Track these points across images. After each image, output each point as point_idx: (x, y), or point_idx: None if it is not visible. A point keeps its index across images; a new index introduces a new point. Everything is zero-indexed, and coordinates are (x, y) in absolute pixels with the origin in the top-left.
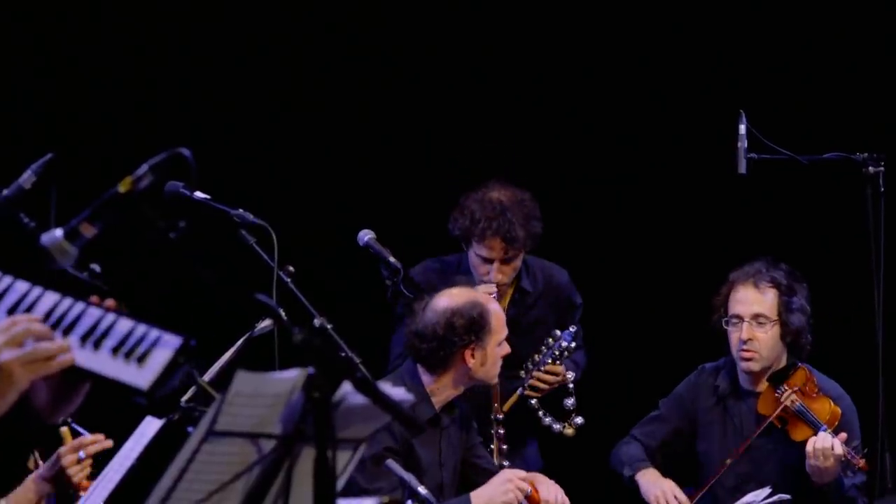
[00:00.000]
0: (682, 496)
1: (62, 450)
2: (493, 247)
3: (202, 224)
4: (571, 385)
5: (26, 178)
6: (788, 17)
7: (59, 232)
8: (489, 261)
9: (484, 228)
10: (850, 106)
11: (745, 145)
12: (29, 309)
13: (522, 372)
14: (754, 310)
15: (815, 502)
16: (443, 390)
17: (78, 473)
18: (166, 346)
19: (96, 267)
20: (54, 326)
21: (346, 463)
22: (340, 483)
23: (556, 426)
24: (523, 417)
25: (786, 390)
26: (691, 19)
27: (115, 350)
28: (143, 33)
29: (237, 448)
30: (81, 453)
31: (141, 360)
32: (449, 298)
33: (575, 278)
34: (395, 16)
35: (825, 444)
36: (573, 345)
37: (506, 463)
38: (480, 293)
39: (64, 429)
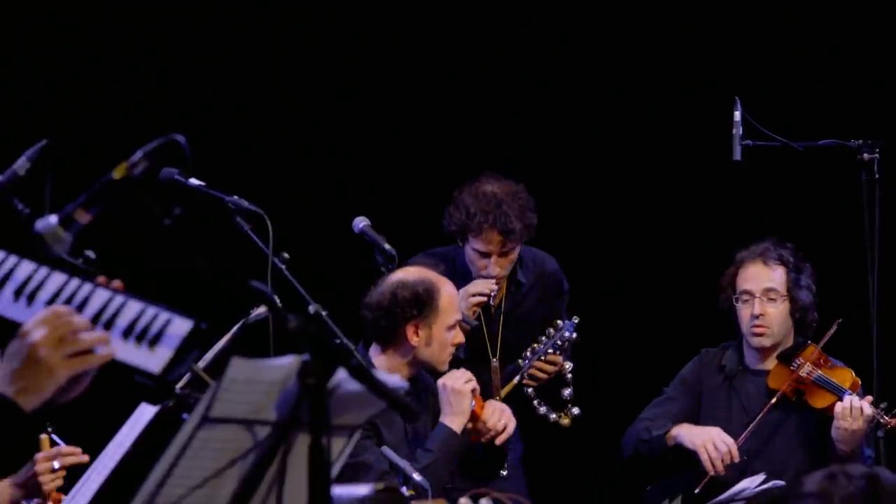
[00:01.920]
0: (730, 439)
1: (38, 456)
2: (491, 240)
3: (197, 211)
4: (569, 375)
5: (21, 164)
6: (783, 3)
7: (53, 218)
8: (487, 255)
9: (480, 222)
10: (845, 93)
11: (741, 132)
12: (36, 289)
13: (521, 360)
14: (765, 285)
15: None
16: (394, 371)
17: (50, 482)
18: (178, 329)
19: (91, 254)
20: None
21: (340, 450)
22: (335, 470)
23: (553, 415)
24: (517, 406)
25: (801, 363)
26: (686, 6)
27: (125, 333)
28: (138, 20)
29: (232, 435)
30: (56, 463)
31: (152, 343)
32: (403, 273)
33: (570, 267)
34: (392, 7)
35: (855, 405)
36: (574, 335)
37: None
38: (437, 274)
39: (43, 436)
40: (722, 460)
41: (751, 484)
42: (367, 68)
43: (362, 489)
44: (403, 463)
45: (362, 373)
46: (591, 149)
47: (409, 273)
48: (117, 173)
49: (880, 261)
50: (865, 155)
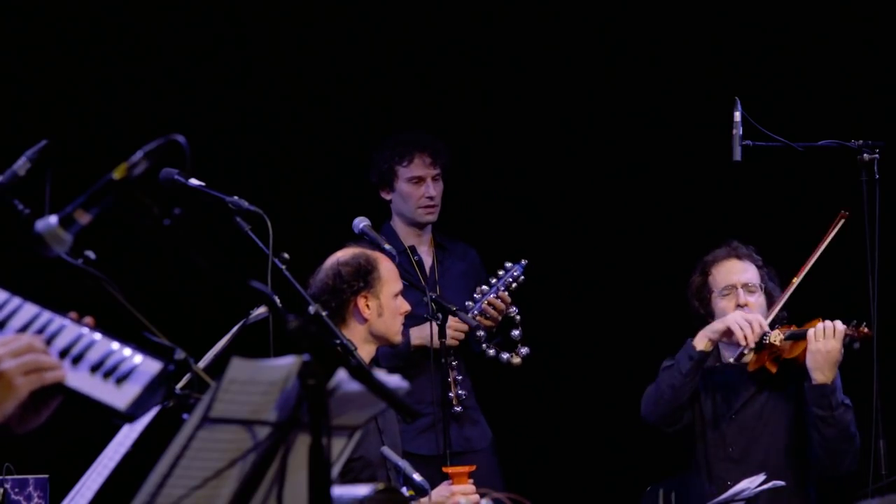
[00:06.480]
0: (756, 314)
1: None
2: (423, 162)
3: (197, 211)
4: (518, 317)
5: (21, 164)
6: (783, 3)
7: (53, 219)
8: (422, 179)
9: (411, 148)
10: (845, 94)
11: (741, 132)
12: (7, 319)
13: (470, 302)
14: (745, 278)
15: (815, 460)
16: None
17: None
18: (146, 369)
19: (91, 254)
20: None
21: (340, 450)
22: (335, 470)
23: (504, 356)
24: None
25: (769, 334)
26: (686, 6)
27: (94, 368)
28: (138, 19)
29: (232, 435)
30: None
31: (120, 381)
32: (337, 255)
33: (569, 266)
34: (391, 7)
35: (828, 324)
36: (523, 278)
37: (461, 392)
38: (370, 250)
39: None
40: (752, 330)
41: (751, 484)
42: (366, 68)
43: (362, 489)
44: (403, 463)
45: (362, 373)
46: (591, 149)
47: (343, 253)
48: (117, 173)
49: (879, 261)
50: (865, 155)
